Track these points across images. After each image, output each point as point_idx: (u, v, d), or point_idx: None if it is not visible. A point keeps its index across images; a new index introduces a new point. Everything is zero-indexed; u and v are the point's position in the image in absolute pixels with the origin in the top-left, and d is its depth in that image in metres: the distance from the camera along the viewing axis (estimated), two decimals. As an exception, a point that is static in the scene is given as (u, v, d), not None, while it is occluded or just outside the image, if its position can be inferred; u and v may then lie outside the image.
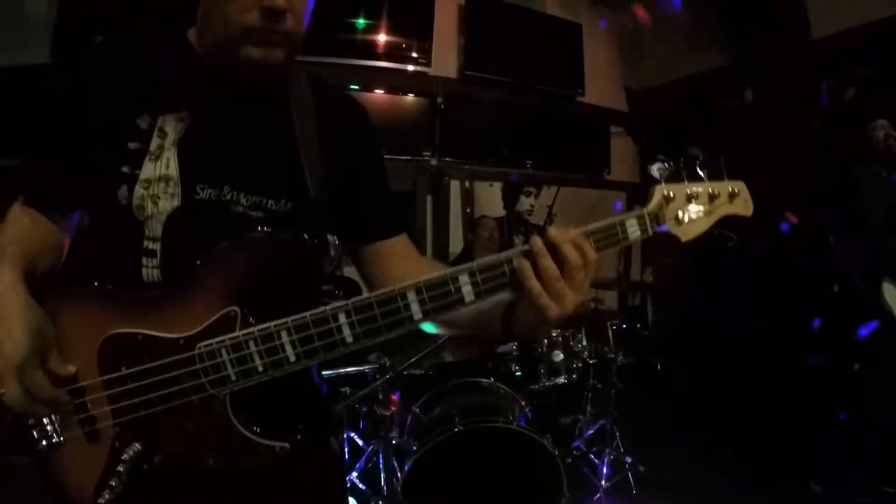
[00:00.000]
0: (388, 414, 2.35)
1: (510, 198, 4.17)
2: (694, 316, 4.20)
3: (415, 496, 2.13)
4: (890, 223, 2.56)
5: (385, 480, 2.34)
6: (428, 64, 3.74)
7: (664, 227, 0.93)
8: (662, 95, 4.41)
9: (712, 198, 0.94)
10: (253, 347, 0.85)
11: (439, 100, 3.84)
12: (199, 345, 0.85)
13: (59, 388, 0.84)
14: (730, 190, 0.95)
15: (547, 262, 0.82)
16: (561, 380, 2.75)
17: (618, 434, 2.96)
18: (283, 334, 0.85)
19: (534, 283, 0.82)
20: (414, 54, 3.70)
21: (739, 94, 3.77)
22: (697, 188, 0.94)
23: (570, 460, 2.88)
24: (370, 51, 3.59)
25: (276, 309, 0.86)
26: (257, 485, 0.92)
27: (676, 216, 0.92)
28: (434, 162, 3.89)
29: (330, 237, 0.99)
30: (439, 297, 0.85)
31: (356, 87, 3.65)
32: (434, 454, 2.14)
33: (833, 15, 3.21)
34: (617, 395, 2.94)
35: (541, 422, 2.59)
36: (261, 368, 0.86)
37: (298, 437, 0.90)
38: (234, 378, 0.86)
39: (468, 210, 3.99)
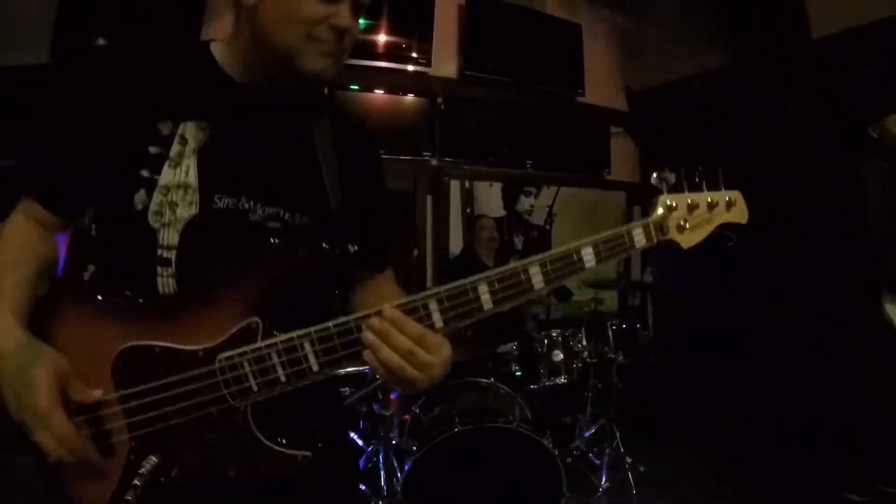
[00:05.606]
0: (388, 414, 2.35)
1: (510, 198, 4.17)
2: (694, 315, 4.20)
3: (415, 496, 2.13)
4: (892, 232, 2.50)
5: (385, 480, 2.34)
6: (428, 64, 3.74)
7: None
8: (662, 95, 4.41)
9: (711, 206, 0.99)
10: (276, 359, 0.84)
11: (439, 100, 3.85)
12: (219, 357, 0.84)
13: (83, 435, 0.83)
14: (727, 199, 1.00)
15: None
16: (561, 380, 2.75)
17: (618, 434, 2.96)
18: (307, 345, 0.84)
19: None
20: (414, 54, 3.70)
21: (739, 94, 3.77)
22: (697, 198, 0.98)
23: (570, 460, 2.87)
24: (370, 51, 3.59)
25: (296, 319, 0.85)
26: (277, 491, 0.91)
27: (678, 224, 0.97)
28: (434, 162, 3.89)
29: (351, 248, 0.98)
30: (460, 306, 0.86)
31: (356, 87, 3.65)
32: (434, 454, 2.14)
33: (833, 15, 3.20)
34: (617, 395, 2.94)
35: (541, 422, 2.59)
36: (283, 379, 0.85)
37: (319, 444, 0.89)
38: (256, 389, 0.84)
39: (468, 210, 3.99)
